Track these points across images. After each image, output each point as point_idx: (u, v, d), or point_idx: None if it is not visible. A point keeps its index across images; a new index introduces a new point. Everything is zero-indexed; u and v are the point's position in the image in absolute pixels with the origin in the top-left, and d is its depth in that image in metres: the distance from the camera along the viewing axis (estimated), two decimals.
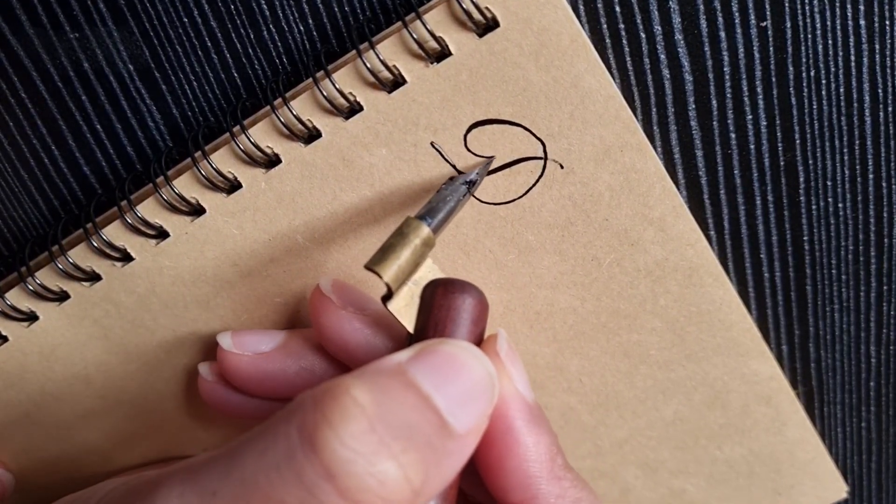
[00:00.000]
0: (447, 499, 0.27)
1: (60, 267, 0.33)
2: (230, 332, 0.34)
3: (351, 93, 0.31)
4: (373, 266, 0.27)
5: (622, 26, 0.32)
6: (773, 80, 0.34)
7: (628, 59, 0.33)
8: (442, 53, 0.31)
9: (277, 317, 0.35)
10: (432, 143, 0.32)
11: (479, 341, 0.29)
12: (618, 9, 0.32)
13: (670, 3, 0.32)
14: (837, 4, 0.33)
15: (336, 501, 0.22)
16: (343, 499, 0.22)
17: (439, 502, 0.26)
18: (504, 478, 0.28)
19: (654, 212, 0.34)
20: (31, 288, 0.33)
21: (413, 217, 0.28)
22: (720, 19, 0.32)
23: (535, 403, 0.29)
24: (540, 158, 0.33)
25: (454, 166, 0.32)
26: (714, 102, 0.34)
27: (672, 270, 0.35)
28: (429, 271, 0.29)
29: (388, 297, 0.28)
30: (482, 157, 0.32)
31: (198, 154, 0.32)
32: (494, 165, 0.33)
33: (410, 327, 0.28)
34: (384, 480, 0.22)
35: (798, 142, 0.35)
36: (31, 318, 0.34)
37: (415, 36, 0.30)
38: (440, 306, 0.28)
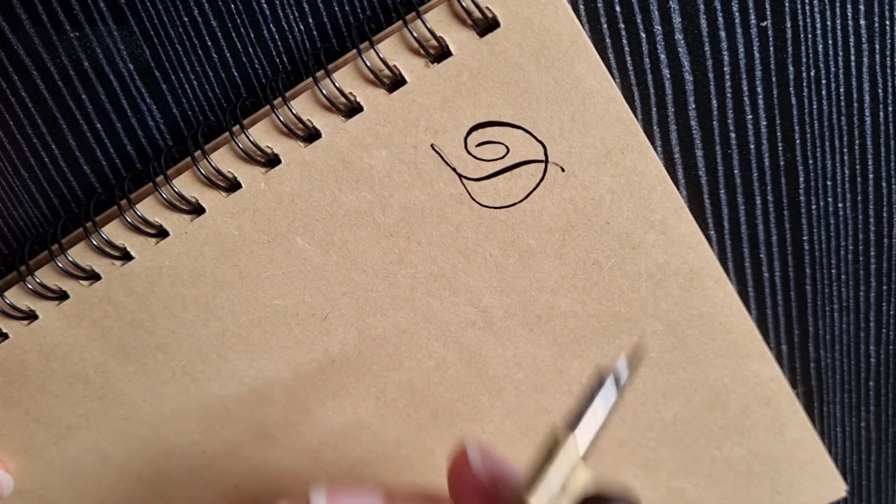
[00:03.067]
0: None
1: (60, 266, 0.33)
2: (324, 489, 0.30)
3: (351, 92, 0.31)
4: (527, 498, 0.26)
5: (622, 26, 0.32)
6: (773, 80, 0.34)
7: (628, 58, 0.33)
8: (442, 53, 0.31)
9: (277, 318, 0.35)
10: (432, 146, 0.32)
11: None
12: (618, 8, 0.32)
13: (670, 2, 0.32)
14: (837, 4, 0.33)
15: None
16: None
17: None
18: None
19: (656, 215, 0.34)
20: (30, 287, 0.33)
21: (562, 434, 0.27)
22: (720, 19, 0.32)
23: None
24: (541, 161, 0.33)
25: (455, 169, 0.32)
26: (714, 102, 0.34)
27: (673, 273, 0.35)
28: (577, 476, 0.27)
29: None
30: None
31: (197, 153, 0.32)
32: (495, 169, 0.33)
33: None
34: None
35: (798, 142, 0.35)
36: (31, 316, 0.34)
37: (415, 35, 0.30)
38: None
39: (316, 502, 0.29)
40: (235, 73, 0.33)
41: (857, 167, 0.36)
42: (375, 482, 0.36)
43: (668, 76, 0.33)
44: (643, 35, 0.33)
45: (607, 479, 0.28)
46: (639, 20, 0.32)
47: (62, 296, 0.34)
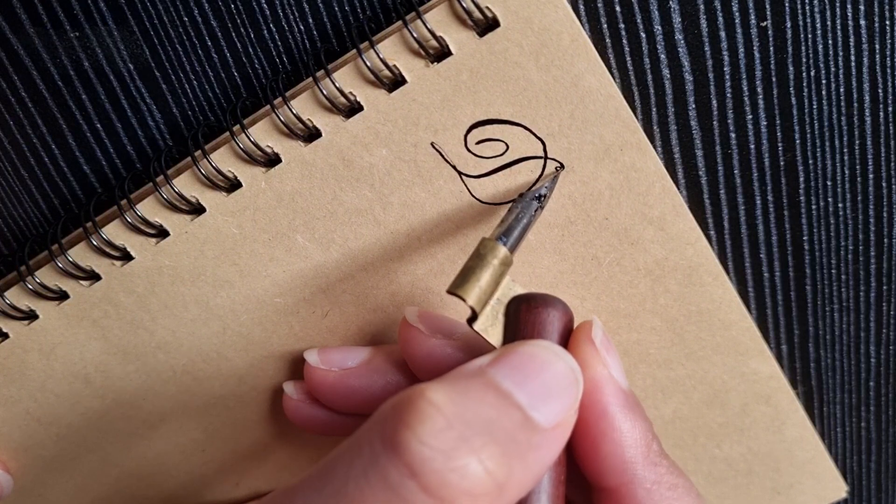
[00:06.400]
0: (557, 496, 0.27)
1: (60, 266, 0.33)
2: (316, 349, 0.35)
3: (351, 92, 0.31)
4: (455, 290, 0.28)
5: (622, 26, 0.32)
6: (773, 80, 0.34)
7: (628, 58, 0.33)
8: (442, 53, 0.31)
9: (277, 316, 0.35)
10: (432, 144, 0.32)
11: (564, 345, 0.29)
12: (618, 8, 0.32)
13: (671, 2, 0.32)
14: (837, 4, 0.33)
15: (422, 499, 0.23)
16: (428, 495, 0.23)
17: (549, 500, 0.27)
18: (600, 462, 0.29)
19: (654, 211, 0.34)
20: (30, 287, 0.33)
21: (489, 238, 0.29)
22: (720, 19, 0.32)
23: (629, 390, 0.29)
24: (540, 158, 0.33)
25: (455, 167, 0.32)
26: (714, 102, 0.34)
27: (672, 269, 0.35)
28: (509, 289, 0.29)
29: (473, 318, 0.28)
30: (553, 160, 0.33)
31: (198, 153, 0.32)
32: (495, 166, 0.33)
33: (498, 345, 0.29)
34: (465, 475, 0.23)
35: (798, 142, 0.35)
36: (31, 316, 0.34)
37: (415, 35, 0.30)
38: (525, 322, 0.28)
39: (309, 358, 0.34)
40: (235, 73, 0.33)
41: (857, 167, 0.36)
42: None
43: (668, 76, 0.33)
44: (643, 35, 0.33)
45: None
46: (639, 20, 0.32)
47: (62, 296, 0.34)
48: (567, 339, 0.29)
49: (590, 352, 0.28)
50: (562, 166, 0.33)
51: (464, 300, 0.27)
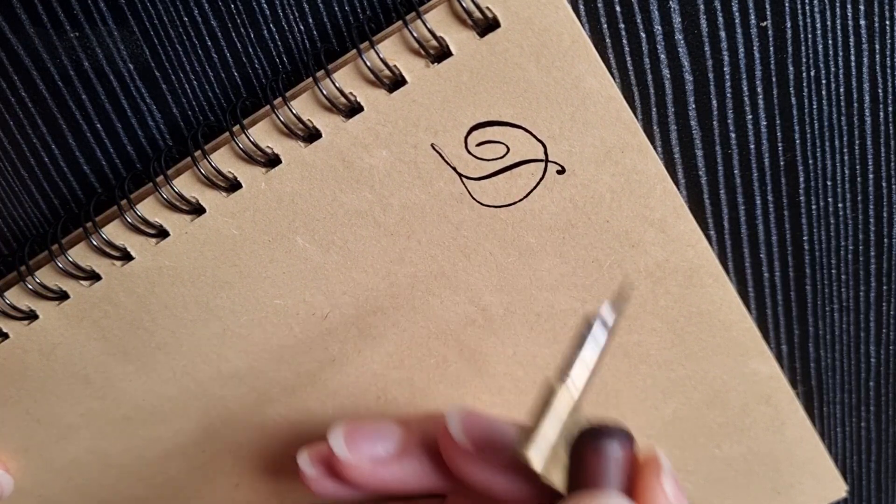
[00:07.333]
0: None
1: (60, 266, 0.33)
2: (342, 430, 0.33)
3: (351, 92, 0.31)
4: (524, 452, 0.27)
5: (622, 26, 0.32)
6: (773, 80, 0.34)
7: (628, 58, 0.33)
8: (442, 53, 0.31)
9: (277, 318, 0.35)
10: (433, 145, 0.32)
11: (630, 482, 0.28)
12: (618, 8, 0.32)
13: (670, 2, 0.32)
14: (837, 4, 0.33)
15: None
16: None
17: None
18: None
19: (655, 213, 0.34)
20: (30, 287, 0.33)
21: (556, 384, 0.28)
22: (720, 19, 0.32)
23: None
24: (541, 161, 0.33)
25: (455, 169, 0.32)
26: (714, 102, 0.34)
27: (672, 271, 0.35)
28: (573, 423, 0.28)
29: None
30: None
31: (198, 153, 0.32)
32: (495, 168, 0.33)
33: (560, 484, 0.28)
34: None
35: (798, 142, 0.35)
36: (31, 316, 0.34)
37: (415, 35, 0.30)
38: (588, 462, 0.28)
39: (336, 448, 0.32)
40: (235, 73, 0.33)
41: (857, 167, 0.36)
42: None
43: (668, 76, 0.33)
44: (643, 35, 0.33)
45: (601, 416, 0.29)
46: (639, 20, 0.32)
47: (62, 296, 0.34)
48: (630, 468, 0.28)
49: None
50: (563, 169, 0.33)
51: (535, 469, 0.27)
